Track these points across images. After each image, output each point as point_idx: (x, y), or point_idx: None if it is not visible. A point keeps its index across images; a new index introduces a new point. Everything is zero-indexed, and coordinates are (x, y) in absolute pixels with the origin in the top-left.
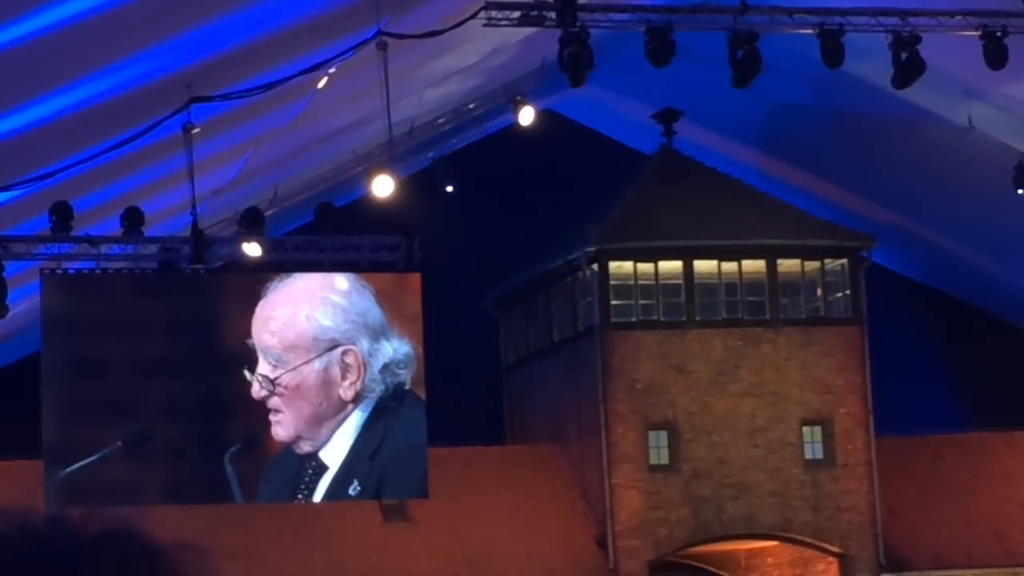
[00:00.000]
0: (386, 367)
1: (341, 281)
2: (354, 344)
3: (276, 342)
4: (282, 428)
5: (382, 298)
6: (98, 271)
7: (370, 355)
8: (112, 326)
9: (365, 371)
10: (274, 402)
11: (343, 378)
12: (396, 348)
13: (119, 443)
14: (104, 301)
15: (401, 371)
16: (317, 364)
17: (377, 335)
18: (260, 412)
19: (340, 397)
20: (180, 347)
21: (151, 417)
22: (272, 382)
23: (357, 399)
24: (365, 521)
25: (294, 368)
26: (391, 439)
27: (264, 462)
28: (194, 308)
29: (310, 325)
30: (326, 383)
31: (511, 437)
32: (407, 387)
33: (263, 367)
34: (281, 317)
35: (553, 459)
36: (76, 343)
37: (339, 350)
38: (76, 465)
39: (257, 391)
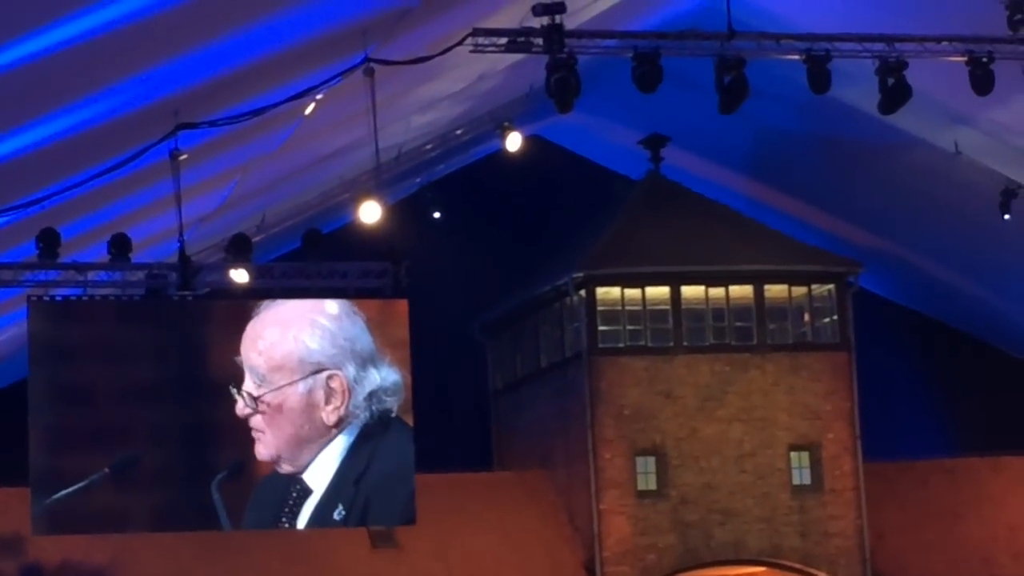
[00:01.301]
0: (372, 394)
1: (332, 306)
2: (340, 369)
3: (262, 361)
4: (263, 447)
5: (372, 325)
6: (85, 298)
7: (356, 382)
8: (100, 353)
9: (349, 397)
10: (256, 421)
11: (327, 403)
12: (384, 376)
13: (106, 470)
14: (91, 328)
15: (388, 399)
16: (301, 386)
17: (365, 362)
18: (247, 438)
19: (323, 421)
20: (167, 374)
21: (138, 444)
22: (255, 400)
23: (340, 424)
24: (353, 548)
25: (277, 388)
26: (377, 464)
27: (251, 489)
28: (181, 335)
29: (297, 347)
30: (309, 406)
31: (499, 463)
32: (393, 414)
33: (248, 385)
34: (269, 337)
35: (541, 485)
36: (63, 370)
37: (324, 374)
38: (63, 492)
39: (241, 408)
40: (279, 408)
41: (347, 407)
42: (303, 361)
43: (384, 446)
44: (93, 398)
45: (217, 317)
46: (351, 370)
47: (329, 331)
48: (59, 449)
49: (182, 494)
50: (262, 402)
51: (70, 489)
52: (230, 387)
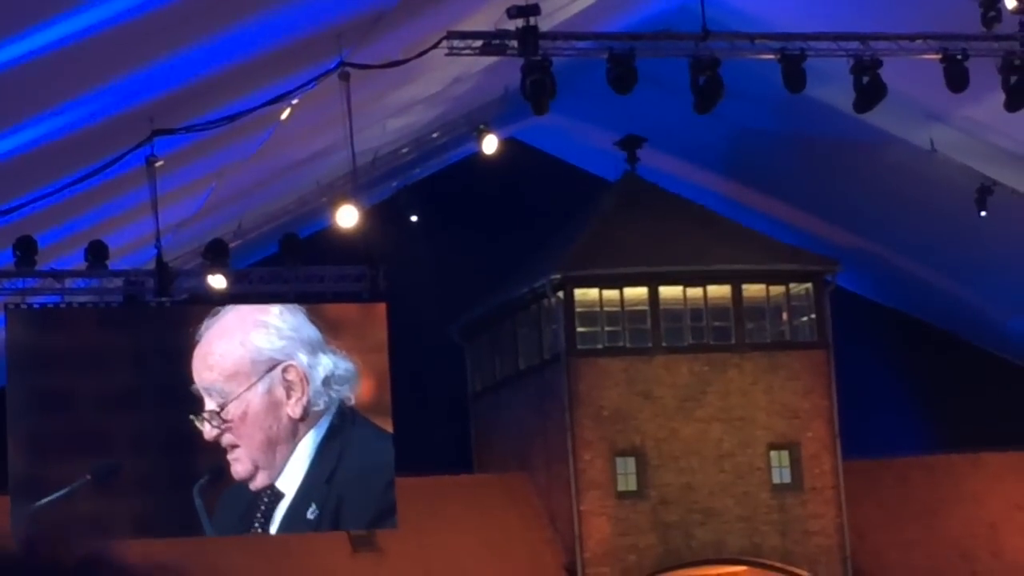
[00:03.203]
0: (327, 380)
1: (272, 307)
2: (292, 359)
3: (216, 375)
4: (240, 464)
5: (346, 326)
6: (63, 305)
7: (310, 367)
8: (79, 360)
9: (308, 384)
10: (227, 439)
11: (288, 396)
12: (336, 363)
13: (88, 477)
14: (70, 335)
15: (340, 387)
16: (260, 387)
17: (314, 349)
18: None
19: (289, 416)
20: (147, 380)
21: (119, 451)
22: (219, 415)
23: (305, 416)
24: (333, 552)
25: (238, 396)
26: (347, 463)
27: (221, 495)
28: (160, 341)
29: (246, 350)
30: (272, 405)
31: (479, 466)
32: (351, 404)
33: (209, 405)
34: (217, 350)
35: (521, 487)
36: (42, 377)
37: (279, 368)
38: (45, 499)
39: (209, 432)
40: (244, 417)
41: (308, 396)
42: (255, 361)
43: (352, 445)
44: (73, 405)
45: (196, 322)
46: (303, 358)
47: (274, 327)
48: (40, 456)
49: (164, 500)
50: (226, 419)
51: (52, 496)
52: (191, 417)
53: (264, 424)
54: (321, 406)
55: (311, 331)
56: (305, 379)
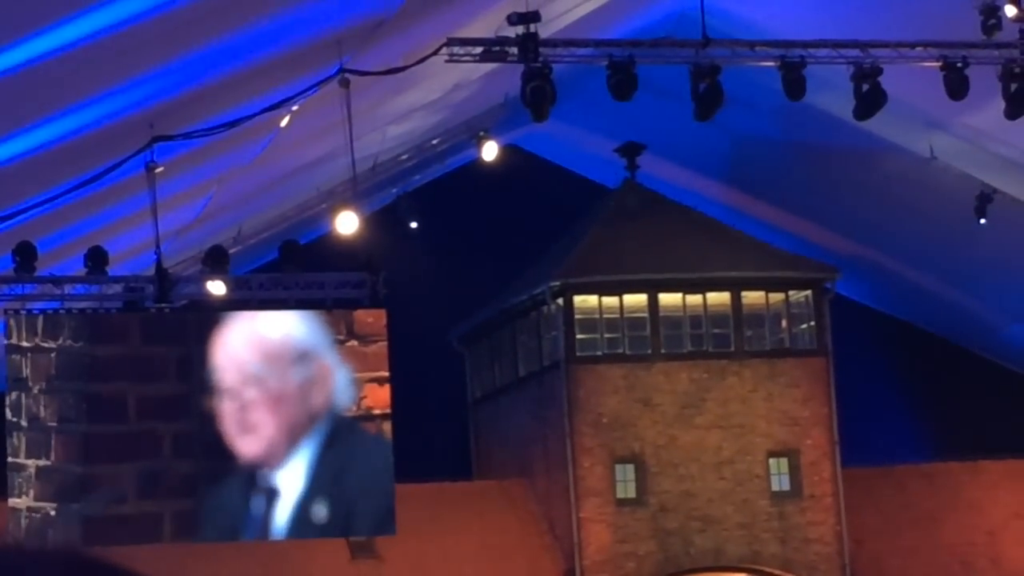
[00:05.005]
0: (341, 386)
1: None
2: (325, 354)
3: (257, 355)
4: (256, 442)
5: (348, 333)
6: (62, 311)
7: (333, 367)
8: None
9: (332, 382)
10: (252, 417)
11: (315, 388)
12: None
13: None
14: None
15: (340, 395)
16: (297, 373)
17: (333, 352)
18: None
19: (312, 408)
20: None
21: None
22: (264, 386)
23: (325, 411)
24: (332, 558)
25: (276, 377)
26: (349, 469)
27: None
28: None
29: (288, 336)
30: (302, 393)
31: (478, 472)
32: (349, 412)
33: (242, 382)
34: (255, 333)
35: (520, 494)
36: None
37: (313, 360)
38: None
39: (234, 410)
40: (280, 394)
41: (332, 391)
42: (296, 348)
43: (352, 452)
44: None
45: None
46: (329, 356)
47: (307, 320)
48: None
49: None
50: (267, 389)
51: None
52: (209, 400)
53: (293, 408)
54: (335, 407)
55: (328, 335)
56: (330, 376)
